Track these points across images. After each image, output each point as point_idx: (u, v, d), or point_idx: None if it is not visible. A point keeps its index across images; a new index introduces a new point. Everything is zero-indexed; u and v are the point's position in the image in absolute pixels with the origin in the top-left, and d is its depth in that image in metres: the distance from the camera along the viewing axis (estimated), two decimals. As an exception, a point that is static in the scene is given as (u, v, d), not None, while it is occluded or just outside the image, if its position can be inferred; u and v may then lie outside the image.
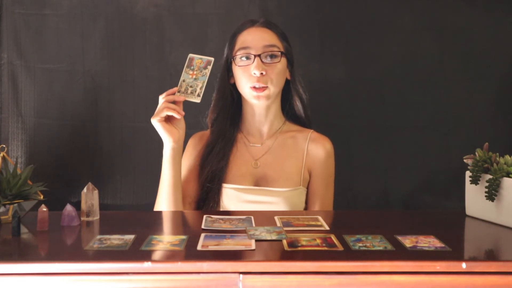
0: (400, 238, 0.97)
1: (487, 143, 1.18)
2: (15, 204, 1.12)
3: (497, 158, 1.12)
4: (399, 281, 0.84)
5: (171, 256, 0.89)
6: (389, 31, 1.86)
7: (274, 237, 0.97)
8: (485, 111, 1.86)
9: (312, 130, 1.55)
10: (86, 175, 1.83)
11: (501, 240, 1.05)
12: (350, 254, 0.89)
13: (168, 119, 1.36)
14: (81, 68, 1.87)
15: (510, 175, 1.07)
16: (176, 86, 1.35)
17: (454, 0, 1.86)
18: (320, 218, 1.13)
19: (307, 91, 1.55)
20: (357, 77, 1.87)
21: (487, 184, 1.09)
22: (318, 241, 0.95)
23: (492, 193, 1.08)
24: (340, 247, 0.92)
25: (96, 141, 1.87)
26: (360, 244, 0.93)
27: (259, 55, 1.43)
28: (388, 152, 1.87)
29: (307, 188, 1.50)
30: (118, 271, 0.85)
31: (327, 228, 1.05)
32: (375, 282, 0.84)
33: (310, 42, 1.86)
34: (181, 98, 1.35)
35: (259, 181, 1.47)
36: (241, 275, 0.84)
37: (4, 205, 1.10)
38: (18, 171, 1.14)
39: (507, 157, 1.12)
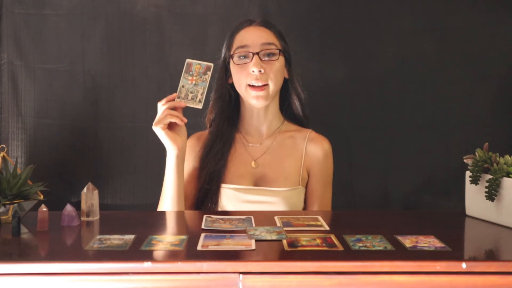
0: (400, 238, 0.97)
1: (487, 143, 1.18)
2: (15, 204, 1.12)
3: (497, 158, 1.12)
4: (399, 281, 0.84)
5: (171, 256, 0.89)
6: (389, 31, 1.86)
7: (274, 237, 0.97)
8: (485, 111, 1.86)
9: (310, 130, 1.55)
10: (86, 175, 1.83)
11: (501, 240, 1.05)
12: (350, 254, 0.89)
13: (170, 126, 1.34)
14: (81, 68, 1.87)
15: (510, 175, 1.07)
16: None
17: (454, 0, 1.86)
18: (320, 218, 1.13)
19: (306, 90, 1.55)
20: (357, 77, 1.87)
21: (487, 184, 1.09)
22: (318, 241, 0.95)
23: (492, 193, 1.08)
24: (340, 247, 0.92)
25: (96, 141, 1.87)
26: (360, 244, 0.93)
27: (257, 53, 1.43)
28: (388, 152, 1.87)
29: (306, 188, 1.50)
30: (118, 271, 0.85)
31: (327, 228, 1.05)
32: (375, 282, 0.84)
33: (310, 42, 1.86)
34: (182, 104, 1.33)
35: (258, 181, 1.47)
36: (241, 275, 0.84)
37: (4, 205, 1.10)
38: (18, 171, 1.14)
39: (507, 157, 1.12)
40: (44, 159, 1.85)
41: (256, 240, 0.95)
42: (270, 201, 1.41)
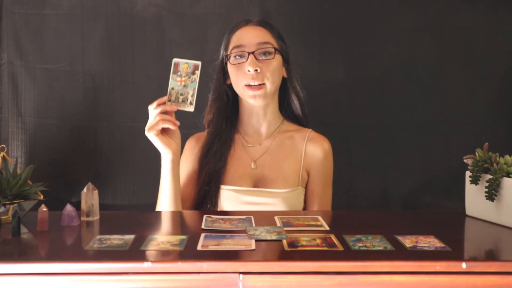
0: (400, 238, 0.97)
1: (487, 143, 1.18)
2: (15, 204, 1.12)
3: (497, 158, 1.12)
4: (399, 281, 0.84)
5: (171, 256, 0.89)
6: (389, 31, 1.86)
7: (274, 237, 0.97)
8: (485, 111, 1.86)
9: (310, 130, 1.54)
10: (86, 175, 1.83)
11: (501, 240, 1.05)
12: (350, 254, 0.89)
13: (164, 130, 1.32)
14: (81, 68, 1.87)
15: (510, 175, 1.07)
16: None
17: (454, 0, 1.86)
18: (320, 218, 1.13)
19: (305, 90, 1.55)
20: (357, 77, 1.87)
21: (487, 184, 1.09)
22: (318, 241, 0.95)
23: (492, 193, 1.08)
24: (340, 247, 0.92)
25: (96, 141, 1.87)
26: (360, 244, 0.93)
27: (252, 52, 1.42)
28: (388, 152, 1.87)
29: (305, 188, 1.50)
30: (118, 271, 0.85)
31: (327, 228, 1.05)
32: (375, 282, 0.84)
33: (310, 42, 1.86)
34: (173, 108, 1.29)
35: (258, 182, 1.46)
36: (241, 275, 0.84)
37: (4, 205, 1.10)
38: (18, 171, 1.14)
39: (507, 157, 1.12)
40: (44, 159, 1.85)
41: (256, 240, 0.95)
42: (269, 202, 1.41)
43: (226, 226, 1.06)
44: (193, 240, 0.96)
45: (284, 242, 0.94)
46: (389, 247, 0.92)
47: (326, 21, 1.87)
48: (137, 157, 1.86)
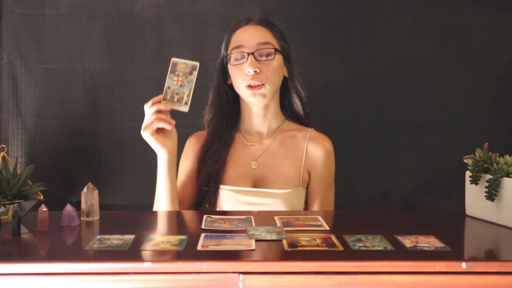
0: (400, 238, 0.97)
1: (487, 143, 1.18)
2: (15, 204, 1.12)
3: (497, 158, 1.12)
4: (399, 281, 0.84)
5: (171, 256, 0.89)
6: (389, 31, 1.87)
7: (274, 237, 0.97)
8: (485, 111, 1.86)
9: (312, 129, 1.53)
10: (86, 175, 1.83)
11: (501, 240, 1.05)
12: (350, 254, 0.89)
13: (159, 130, 1.30)
14: (80, 68, 1.87)
15: (510, 175, 1.07)
16: None
17: (454, 0, 1.86)
18: (320, 218, 1.13)
19: (306, 89, 1.54)
20: (357, 77, 1.87)
21: (487, 184, 1.09)
22: (318, 241, 0.95)
23: (492, 193, 1.08)
24: (340, 247, 0.92)
25: (96, 141, 1.87)
26: (360, 244, 0.93)
27: (252, 53, 1.42)
28: (388, 152, 1.87)
29: (307, 188, 1.49)
30: (118, 271, 0.85)
31: (327, 228, 1.05)
32: (375, 282, 0.84)
33: (310, 42, 1.86)
34: (168, 107, 1.28)
35: (258, 182, 1.45)
36: (241, 275, 0.83)
37: (4, 205, 1.10)
38: (18, 171, 1.14)
39: (507, 157, 1.12)
40: (44, 159, 1.85)
41: (256, 240, 0.95)
42: (269, 203, 1.40)
43: (226, 226, 1.06)
44: (193, 240, 0.96)
45: (284, 242, 0.94)
46: (389, 247, 0.92)
47: (326, 21, 1.87)
48: (137, 157, 1.86)
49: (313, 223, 1.09)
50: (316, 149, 1.50)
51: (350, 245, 0.93)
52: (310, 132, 1.52)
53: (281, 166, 1.47)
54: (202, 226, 1.06)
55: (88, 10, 1.86)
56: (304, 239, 0.96)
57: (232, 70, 1.46)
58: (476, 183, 1.13)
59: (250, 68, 1.41)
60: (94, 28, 1.87)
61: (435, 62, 1.87)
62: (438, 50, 1.86)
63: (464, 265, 0.84)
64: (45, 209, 1.06)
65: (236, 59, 1.44)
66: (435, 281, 0.84)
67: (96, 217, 1.14)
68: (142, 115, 1.85)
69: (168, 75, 1.29)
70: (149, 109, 1.29)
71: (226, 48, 1.49)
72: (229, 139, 1.50)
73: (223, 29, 1.80)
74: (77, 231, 1.06)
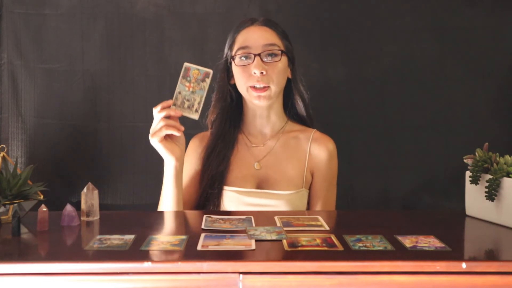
0: (400, 238, 0.97)
1: (487, 143, 1.18)
2: (15, 204, 1.12)
3: (497, 158, 1.12)
4: (399, 281, 0.84)
5: (171, 256, 0.89)
6: (389, 31, 1.86)
7: (274, 237, 0.97)
8: (485, 111, 1.86)
9: (314, 130, 1.53)
10: (86, 175, 1.83)
11: (501, 240, 1.05)
12: (350, 254, 0.89)
13: (167, 136, 1.27)
14: (80, 68, 1.87)
15: (510, 175, 1.07)
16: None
17: (455, 0, 1.86)
18: (320, 218, 1.13)
19: (308, 90, 1.55)
20: (357, 77, 1.87)
21: (487, 184, 1.09)
22: (318, 241, 0.95)
23: (492, 193, 1.08)
24: (340, 247, 0.92)
25: (96, 141, 1.87)
26: (360, 244, 0.93)
27: (259, 54, 1.41)
28: (388, 152, 1.87)
29: (310, 189, 1.49)
30: (118, 271, 0.85)
31: (327, 228, 1.05)
32: (375, 282, 0.84)
33: (310, 42, 1.86)
34: (178, 113, 1.25)
35: (261, 183, 1.45)
36: (241, 275, 0.84)
37: (4, 205, 1.10)
38: (18, 171, 1.14)
39: (507, 157, 1.12)
40: (44, 159, 1.85)
41: (256, 240, 0.95)
42: (272, 204, 1.40)
43: (226, 226, 1.06)
44: (193, 240, 0.96)
45: (284, 242, 0.94)
46: (389, 247, 0.92)
47: (326, 21, 1.87)
48: (137, 157, 1.86)
49: (313, 223, 1.09)
50: (319, 150, 1.50)
51: (350, 245, 0.93)
52: (313, 133, 1.52)
53: (285, 167, 1.47)
54: (202, 226, 1.06)
55: (88, 10, 1.86)
56: (304, 239, 0.96)
57: (236, 70, 1.45)
58: (476, 183, 1.13)
59: (256, 69, 1.40)
60: (94, 28, 1.87)
61: (435, 62, 1.87)
62: (438, 50, 1.86)
63: (464, 265, 0.84)
64: (45, 209, 1.06)
65: (242, 60, 1.44)
66: (435, 281, 0.84)
67: (96, 217, 1.14)
68: (142, 115, 1.87)
69: (179, 80, 1.25)
70: (158, 114, 1.25)
71: (231, 48, 1.48)
72: (232, 140, 1.49)
73: (223, 29, 1.80)
74: (77, 231, 1.06)
